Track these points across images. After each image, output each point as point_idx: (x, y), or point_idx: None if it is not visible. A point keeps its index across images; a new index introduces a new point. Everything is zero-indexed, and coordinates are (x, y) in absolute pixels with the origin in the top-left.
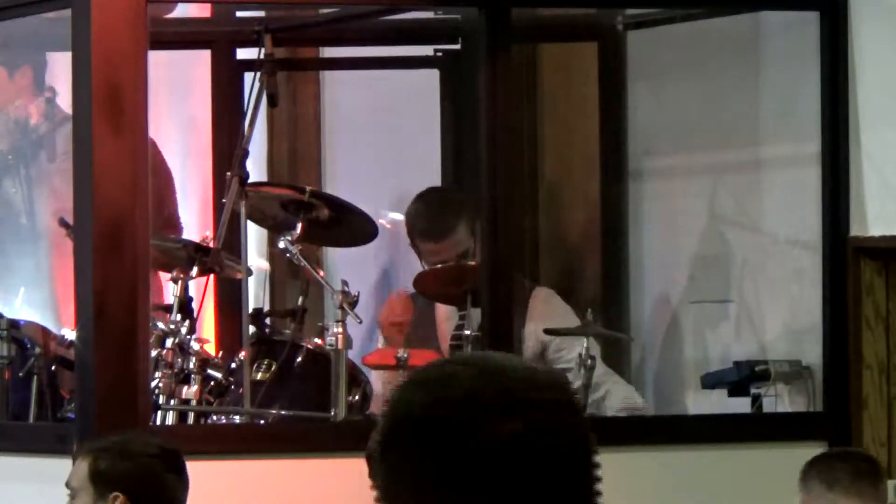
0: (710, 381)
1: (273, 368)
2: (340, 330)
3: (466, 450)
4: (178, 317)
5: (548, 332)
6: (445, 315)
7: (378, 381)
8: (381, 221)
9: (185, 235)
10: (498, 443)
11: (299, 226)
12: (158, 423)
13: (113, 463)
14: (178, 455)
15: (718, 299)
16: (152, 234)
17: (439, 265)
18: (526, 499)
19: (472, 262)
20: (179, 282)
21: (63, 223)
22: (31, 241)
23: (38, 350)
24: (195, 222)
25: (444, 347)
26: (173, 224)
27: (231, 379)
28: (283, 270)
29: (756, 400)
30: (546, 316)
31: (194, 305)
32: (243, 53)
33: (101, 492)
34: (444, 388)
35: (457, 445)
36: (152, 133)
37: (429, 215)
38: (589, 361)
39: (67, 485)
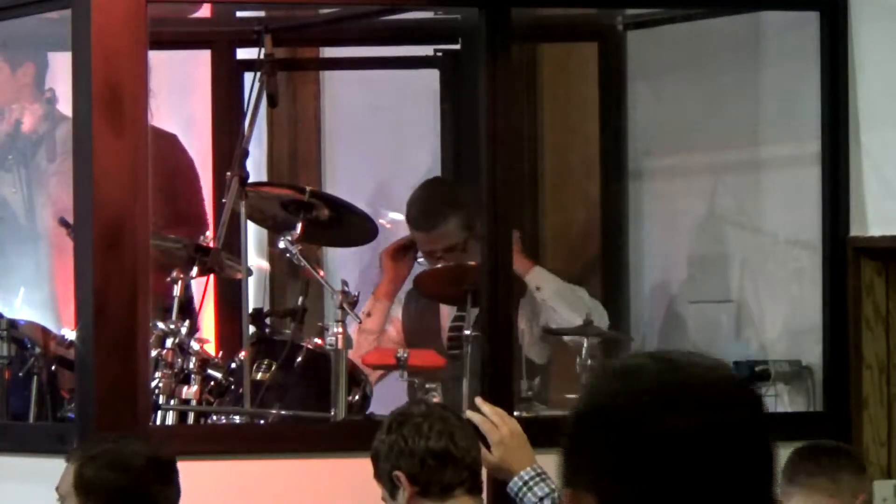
0: None
1: (273, 368)
2: (340, 330)
3: (645, 440)
4: (178, 317)
5: (547, 331)
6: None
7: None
8: (381, 221)
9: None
10: (675, 436)
11: (299, 226)
12: (158, 423)
13: (98, 472)
14: (169, 464)
15: (718, 299)
16: (152, 234)
17: (438, 262)
18: (702, 494)
19: (472, 262)
20: (179, 282)
21: (64, 223)
22: (31, 241)
23: (38, 350)
24: None
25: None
26: (199, 223)
27: (231, 379)
28: (283, 270)
29: None
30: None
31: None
32: (243, 53)
33: (84, 500)
34: (633, 379)
35: (636, 435)
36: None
37: (422, 205)
38: (589, 362)
39: (57, 490)
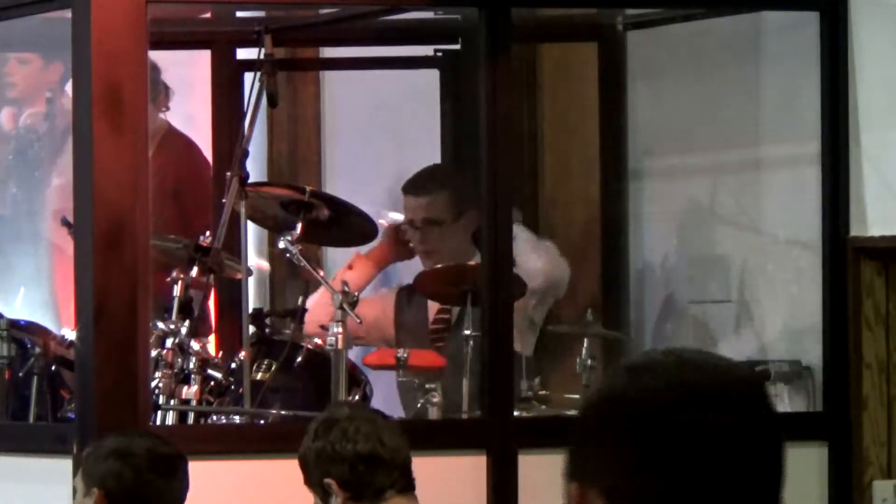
0: None
1: (273, 368)
2: (340, 330)
3: (667, 434)
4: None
5: (546, 331)
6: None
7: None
8: (381, 221)
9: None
10: (701, 430)
11: (299, 226)
12: (158, 423)
13: (95, 462)
14: (172, 458)
15: (718, 299)
16: (152, 234)
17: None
18: (719, 490)
19: (472, 262)
20: (180, 282)
21: (65, 222)
22: (31, 241)
23: (38, 350)
24: None
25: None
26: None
27: (231, 379)
28: (283, 270)
29: None
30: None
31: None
32: (243, 53)
33: (86, 488)
34: (651, 373)
35: (658, 429)
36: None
37: (418, 173)
38: (589, 362)
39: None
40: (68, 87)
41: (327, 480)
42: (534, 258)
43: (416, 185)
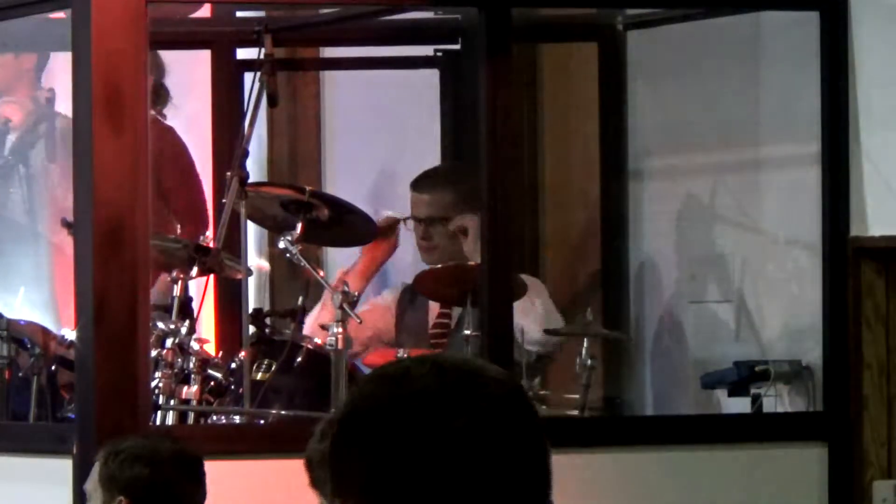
0: (710, 381)
1: (273, 368)
2: (340, 330)
3: (413, 445)
4: (178, 317)
5: (548, 332)
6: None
7: None
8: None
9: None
10: (444, 437)
11: (299, 226)
12: (158, 423)
13: (120, 467)
14: (195, 461)
15: (718, 299)
16: (152, 234)
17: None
18: (478, 495)
19: (472, 262)
20: (179, 282)
21: (66, 223)
22: (31, 241)
23: (38, 350)
24: None
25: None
26: (199, 216)
27: (231, 379)
28: (283, 270)
29: (756, 400)
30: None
31: (194, 305)
32: (243, 53)
33: (109, 495)
34: (397, 385)
35: (405, 440)
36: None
37: (428, 170)
38: (589, 362)
39: (85, 488)
40: (44, 80)
41: None
42: (527, 322)
43: (426, 180)
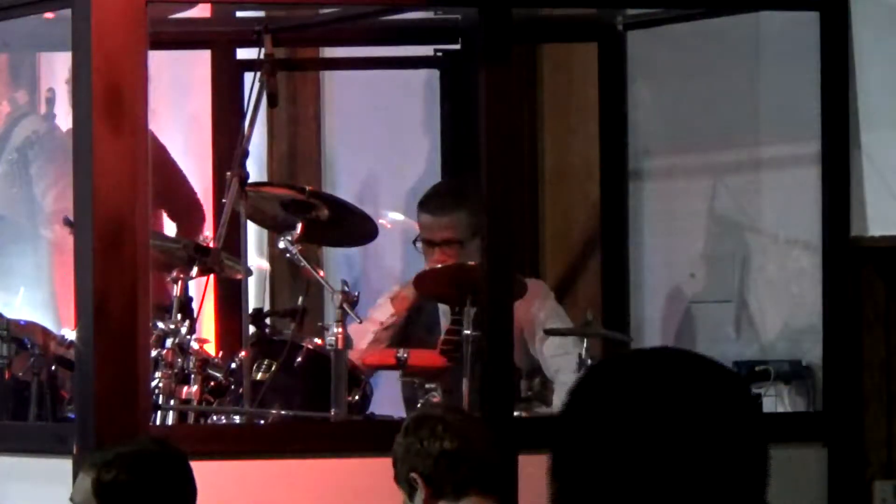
0: None
1: (273, 368)
2: (340, 330)
3: (637, 439)
4: (178, 317)
5: (548, 332)
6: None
7: None
8: (381, 221)
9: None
10: (671, 432)
11: (299, 226)
12: (158, 423)
13: (116, 476)
14: (183, 461)
15: (718, 299)
16: (152, 234)
17: (433, 252)
18: (694, 488)
19: (472, 262)
20: (179, 282)
21: (68, 223)
22: (31, 241)
23: (38, 350)
24: None
25: None
26: (193, 209)
27: (231, 379)
28: (283, 270)
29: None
30: (541, 308)
31: (194, 305)
32: (243, 53)
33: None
34: (625, 375)
35: (629, 434)
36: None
37: (438, 189)
38: (589, 362)
39: (72, 500)
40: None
41: (413, 475)
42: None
43: (437, 203)
